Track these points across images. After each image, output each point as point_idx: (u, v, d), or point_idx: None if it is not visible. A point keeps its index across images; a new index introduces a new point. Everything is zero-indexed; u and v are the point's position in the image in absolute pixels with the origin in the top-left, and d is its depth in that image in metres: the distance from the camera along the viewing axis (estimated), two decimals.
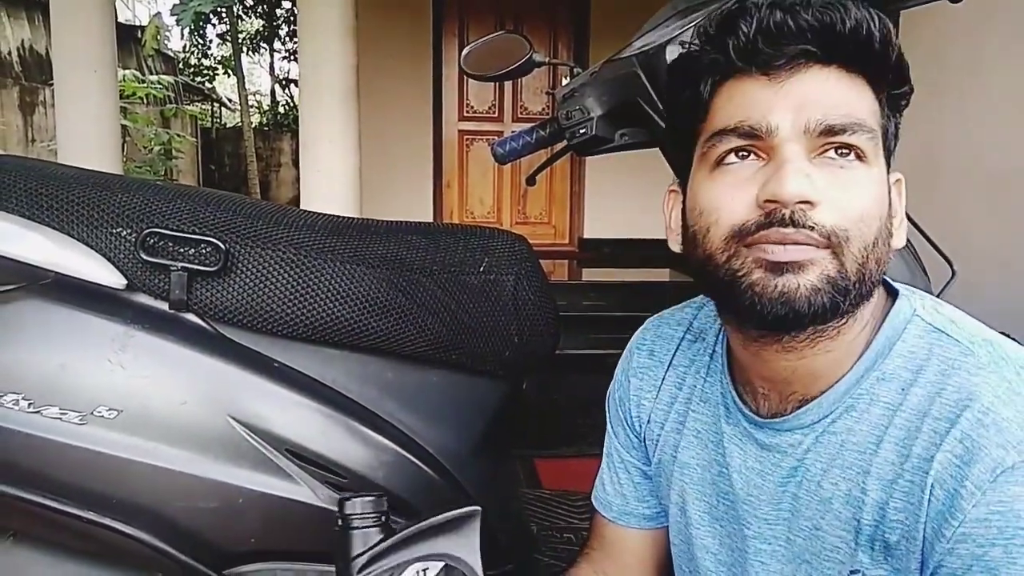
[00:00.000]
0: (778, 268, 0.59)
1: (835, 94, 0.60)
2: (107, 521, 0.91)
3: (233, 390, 0.94)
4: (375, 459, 0.98)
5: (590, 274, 4.84)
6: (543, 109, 5.58)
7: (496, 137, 5.46)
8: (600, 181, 5.51)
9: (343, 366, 1.01)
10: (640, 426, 0.86)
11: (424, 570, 0.65)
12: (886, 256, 0.61)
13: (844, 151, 0.60)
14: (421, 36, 5.42)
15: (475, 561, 0.66)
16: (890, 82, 0.62)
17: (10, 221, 0.94)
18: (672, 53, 1.07)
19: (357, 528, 0.67)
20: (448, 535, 0.66)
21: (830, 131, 0.59)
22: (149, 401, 0.92)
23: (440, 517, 0.66)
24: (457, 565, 0.66)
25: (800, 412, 0.66)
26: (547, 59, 1.34)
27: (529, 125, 1.35)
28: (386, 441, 0.99)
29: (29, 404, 0.89)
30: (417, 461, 1.00)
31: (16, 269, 0.94)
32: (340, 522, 0.68)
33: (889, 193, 0.63)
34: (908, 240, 1.11)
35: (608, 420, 0.91)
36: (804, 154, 0.60)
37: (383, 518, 0.68)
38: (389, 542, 0.66)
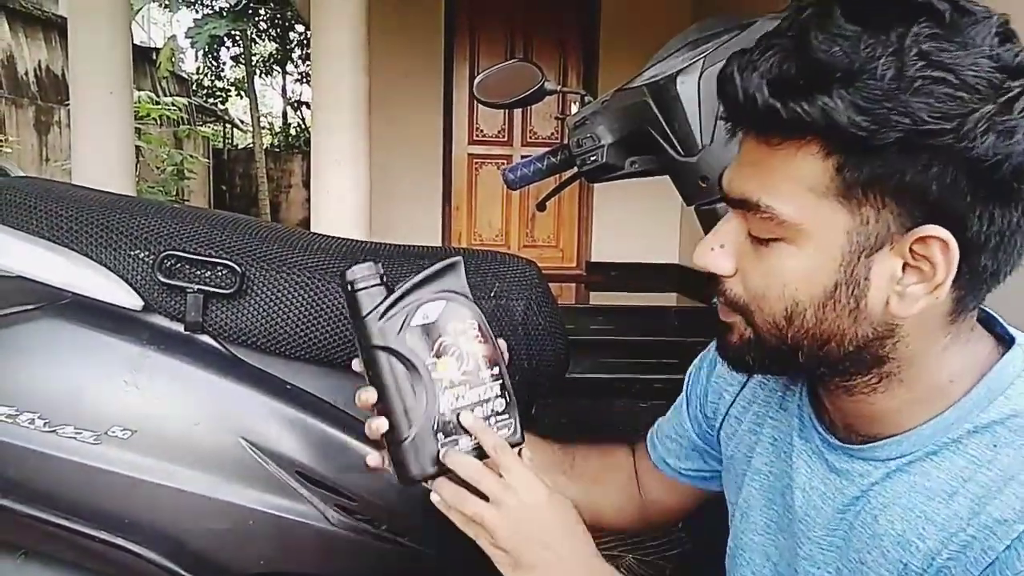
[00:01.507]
0: (719, 323, 0.66)
1: (747, 167, 0.59)
2: (118, 541, 0.91)
3: (246, 412, 0.95)
4: (385, 483, 0.98)
5: (597, 298, 4.85)
6: (552, 134, 5.61)
7: (506, 161, 5.53)
8: (608, 206, 5.53)
9: (355, 389, 1.01)
10: (714, 413, 0.86)
11: (430, 309, 0.76)
12: (834, 328, 0.58)
13: (754, 227, 0.59)
14: (432, 60, 5.47)
15: (465, 290, 0.78)
16: (840, 137, 0.52)
17: (31, 242, 0.96)
18: (682, 83, 1.08)
19: (363, 289, 0.75)
20: (441, 279, 0.77)
21: (735, 204, 0.60)
22: (163, 422, 0.93)
23: (430, 269, 0.77)
24: (454, 296, 0.77)
25: (881, 444, 0.63)
26: (558, 87, 1.35)
27: (539, 151, 1.36)
28: None
29: (45, 423, 0.90)
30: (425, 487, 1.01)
31: (35, 289, 0.96)
32: (349, 288, 0.76)
33: (856, 264, 0.56)
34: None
35: (686, 385, 0.93)
36: (736, 223, 0.61)
37: (383, 279, 0.77)
38: (395, 294, 0.75)
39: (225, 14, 8.40)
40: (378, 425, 0.74)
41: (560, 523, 0.72)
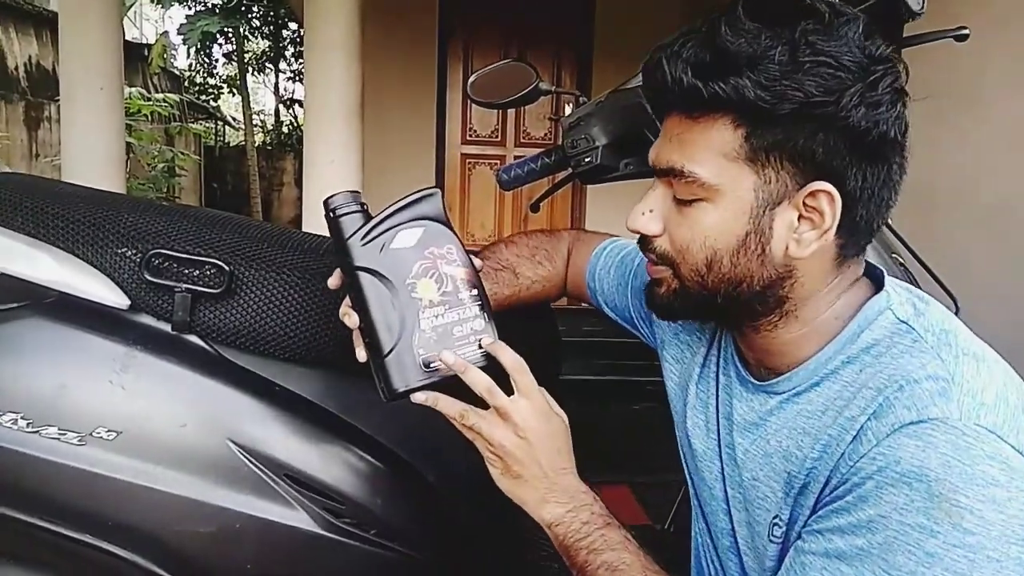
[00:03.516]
0: (649, 280, 0.78)
1: (671, 141, 0.70)
2: (103, 544, 0.90)
3: (233, 413, 0.94)
4: (374, 487, 0.97)
5: None
6: (545, 134, 5.60)
7: (499, 162, 5.51)
8: (600, 207, 5.52)
9: (345, 391, 1.00)
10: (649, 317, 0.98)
11: (409, 233, 0.80)
12: (745, 271, 0.69)
13: (678, 191, 0.70)
14: (426, 59, 5.45)
15: (442, 217, 0.83)
16: (748, 110, 0.64)
17: (15, 239, 0.94)
18: None
19: (345, 215, 0.80)
20: (418, 206, 0.82)
21: (662, 173, 0.71)
22: (149, 423, 0.91)
23: (408, 196, 0.82)
24: (431, 223, 0.82)
25: (777, 380, 0.74)
26: (553, 88, 1.34)
27: (532, 151, 1.35)
28: (386, 469, 0.98)
29: (28, 424, 0.88)
30: (417, 491, 1.00)
31: (20, 287, 0.94)
32: (331, 214, 0.80)
33: (762, 216, 0.67)
34: (911, 273, 1.12)
35: (640, 259, 1.00)
36: (661, 190, 0.72)
37: (364, 206, 0.81)
38: (375, 219, 0.80)
39: (218, 11, 8.34)
40: (361, 348, 0.81)
41: (552, 443, 0.80)
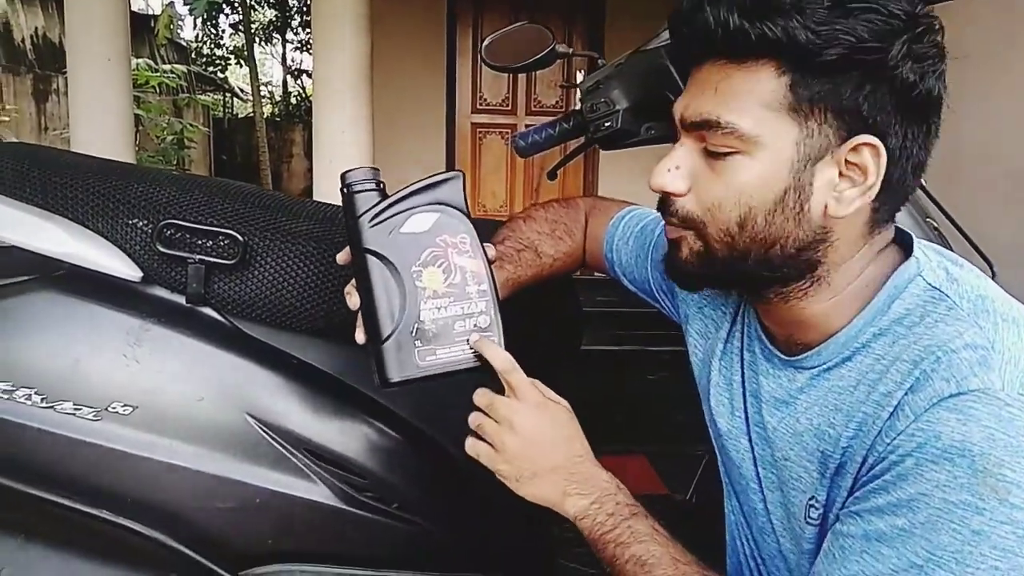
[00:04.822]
0: (668, 246, 0.73)
1: (707, 91, 0.66)
2: (120, 520, 0.89)
3: (251, 387, 0.92)
4: (395, 460, 0.95)
5: None
6: (557, 102, 5.53)
7: (510, 130, 5.46)
8: (614, 176, 5.46)
9: (363, 363, 0.98)
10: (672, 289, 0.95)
11: (422, 218, 0.77)
12: (780, 231, 0.65)
13: (713, 144, 0.66)
14: (435, 27, 5.38)
15: (461, 204, 0.79)
16: (797, 57, 0.61)
17: (23, 210, 0.92)
18: None
19: (360, 191, 0.77)
20: (437, 190, 0.78)
21: (694, 127, 0.67)
22: (165, 397, 0.90)
23: (428, 178, 0.78)
24: (448, 208, 0.78)
25: (806, 355, 0.71)
26: (570, 50, 1.30)
27: (544, 120, 1.32)
28: (407, 442, 0.96)
29: (42, 399, 0.87)
30: (439, 464, 0.98)
31: (29, 260, 0.92)
32: (345, 189, 0.77)
33: (803, 171, 0.64)
34: (945, 238, 1.08)
35: (661, 229, 0.96)
36: (689, 146, 0.69)
37: (381, 185, 0.78)
38: (389, 200, 0.77)
39: None
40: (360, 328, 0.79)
41: (559, 432, 0.77)
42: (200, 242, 0.92)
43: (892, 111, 0.62)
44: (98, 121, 3.67)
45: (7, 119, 5.92)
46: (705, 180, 0.68)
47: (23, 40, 6.64)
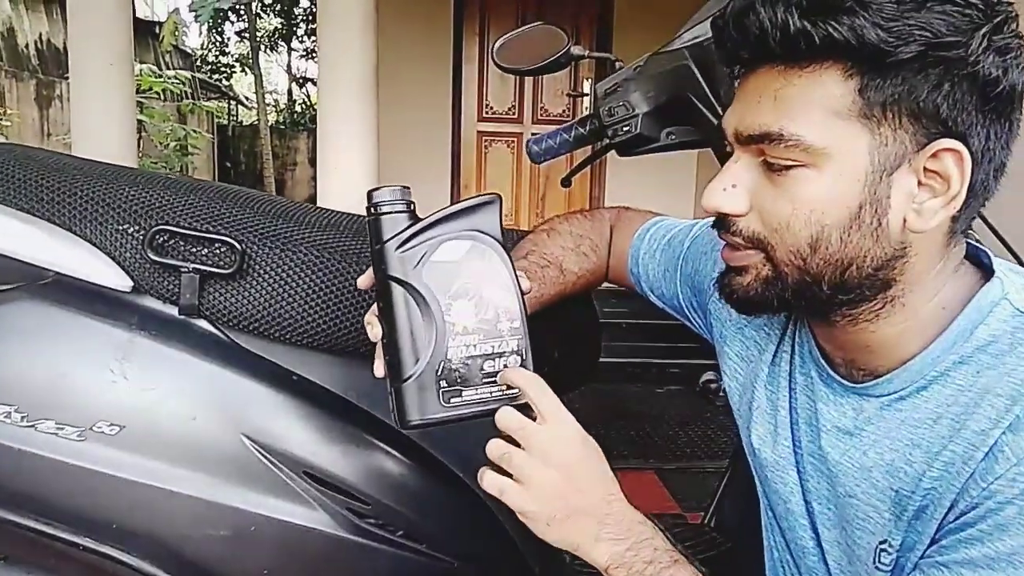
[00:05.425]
0: (726, 268, 0.68)
1: (764, 100, 0.61)
2: (105, 549, 0.83)
3: (247, 405, 0.86)
4: (401, 485, 0.90)
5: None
6: (564, 111, 5.50)
7: (516, 139, 5.42)
8: (621, 185, 5.42)
9: (368, 380, 0.92)
10: (708, 300, 0.88)
11: (454, 247, 0.71)
12: (857, 250, 0.60)
13: (773, 156, 0.61)
14: (441, 35, 5.36)
15: (496, 232, 0.73)
16: (867, 58, 0.56)
17: (6, 215, 0.86)
18: None
19: (387, 213, 0.71)
20: (472, 216, 0.73)
21: (750, 140, 0.62)
22: (154, 416, 0.84)
23: (463, 202, 0.73)
24: (483, 236, 0.72)
25: (875, 383, 0.66)
26: (586, 52, 1.26)
27: (550, 129, 1.28)
28: (414, 465, 0.90)
29: (23, 417, 0.81)
30: (447, 489, 0.92)
31: (12, 268, 0.87)
32: (371, 210, 0.72)
33: (879, 183, 0.59)
34: (979, 240, 1.03)
35: (684, 246, 0.92)
36: (746, 161, 0.63)
37: (411, 207, 0.72)
38: (420, 224, 0.71)
39: None
40: (380, 362, 0.73)
41: (593, 468, 0.70)
42: (195, 250, 0.87)
43: (973, 110, 0.57)
44: (101, 126, 3.68)
45: (9, 124, 5.90)
46: (768, 198, 0.62)
47: (27, 45, 6.64)
